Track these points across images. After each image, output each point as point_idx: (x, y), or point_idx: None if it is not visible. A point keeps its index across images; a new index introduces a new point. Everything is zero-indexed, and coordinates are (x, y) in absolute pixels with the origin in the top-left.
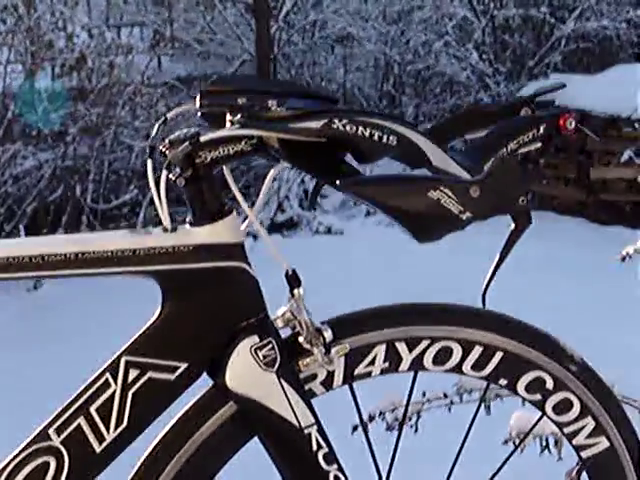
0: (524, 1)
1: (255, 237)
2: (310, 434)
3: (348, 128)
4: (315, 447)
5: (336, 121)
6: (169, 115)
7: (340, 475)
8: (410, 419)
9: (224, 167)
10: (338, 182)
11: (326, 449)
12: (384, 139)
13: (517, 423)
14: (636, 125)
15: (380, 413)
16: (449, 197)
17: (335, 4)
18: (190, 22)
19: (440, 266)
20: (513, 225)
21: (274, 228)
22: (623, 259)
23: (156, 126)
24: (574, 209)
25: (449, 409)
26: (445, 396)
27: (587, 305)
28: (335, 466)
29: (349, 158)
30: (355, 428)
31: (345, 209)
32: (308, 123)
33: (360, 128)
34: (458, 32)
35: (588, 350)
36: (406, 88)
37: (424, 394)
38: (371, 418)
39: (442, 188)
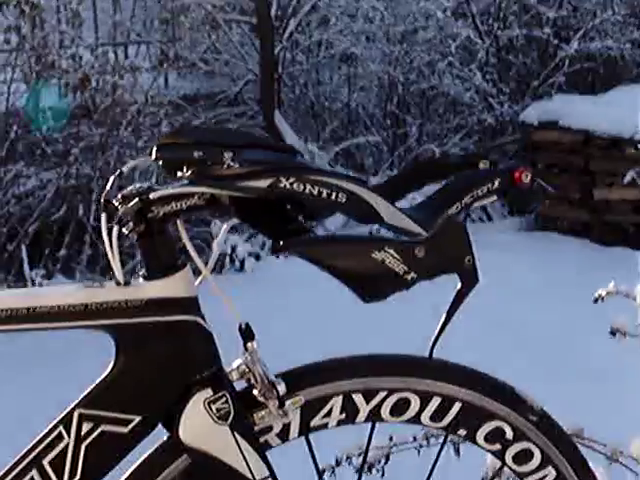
0: (528, 21)
1: (258, 257)
2: None
3: (295, 186)
4: None
5: (283, 180)
6: (125, 169)
7: None
8: (379, 462)
9: (178, 222)
10: (282, 243)
11: None
12: (333, 196)
13: (493, 462)
14: (639, 146)
15: (347, 457)
16: (394, 257)
17: (339, 24)
18: (195, 41)
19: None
20: (460, 284)
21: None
22: (596, 301)
23: (111, 179)
24: (578, 230)
25: (418, 452)
26: (414, 439)
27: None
28: None
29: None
30: (323, 471)
31: (347, 228)
32: (255, 182)
33: (308, 186)
34: (462, 52)
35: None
36: (410, 108)
37: (391, 438)
38: (338, 462)
39: (387, 249)
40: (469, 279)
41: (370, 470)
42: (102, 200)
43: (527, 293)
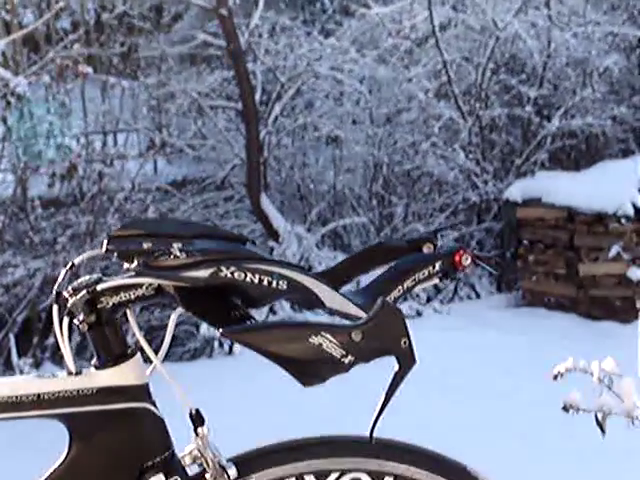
0: (509, 101)
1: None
2: None
3: (236, 275)
4: None
5: (224, 269)
6: (76, 261)
7: None
8: None
9: (127, 311)
10: (220, 331)
11: None
12: (273, 284)
13: None
14: (622, 221)
15: None
16: (331, 342)
17: (323, 107)
18: (182, 128)
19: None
20: (397, 366)
21: None
22: (555, 377)
23: (62, 272)
24: (565, 305)
25: None
26: None
27: None
28: None
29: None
30: None
31: None
32: (197, 272)
33: (249, 275)
34: (445, 132)
35: None
36: (396, 188)
37: None
38: None
39: (323, 333)
40: (406, 361)
41: None
42: (54, 292)
43: (512, 369)
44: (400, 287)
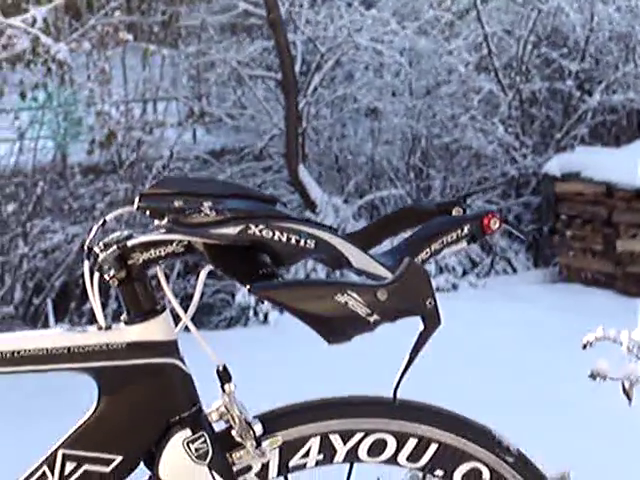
0: (550, 75)
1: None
2: None
3: (265, 233)
4: None
5: (252, 227)
6: (108, 218)
7: None
8: None
9: (157, 268)
10: (248, 287)
11: None
12: (301, 242)
13: None
14: None
15: None
16: (356, 300)
17: (363, 79)
18: (222, 97)
19: None
20: (422, 326)
21: None
22: (584, 347)
23: (94, 228)
24: (601, 281)
25: None
26: None
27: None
28: None
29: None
30: None
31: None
32: (226, 229)
33: (277, 233)
34: (484, 106)
35: None
36: (434, 161)
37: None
38: None
39: (349, 292)
40: (431, 321)
41: None
42: (85, 248)
43: (546, 344)
44: (428, 249)
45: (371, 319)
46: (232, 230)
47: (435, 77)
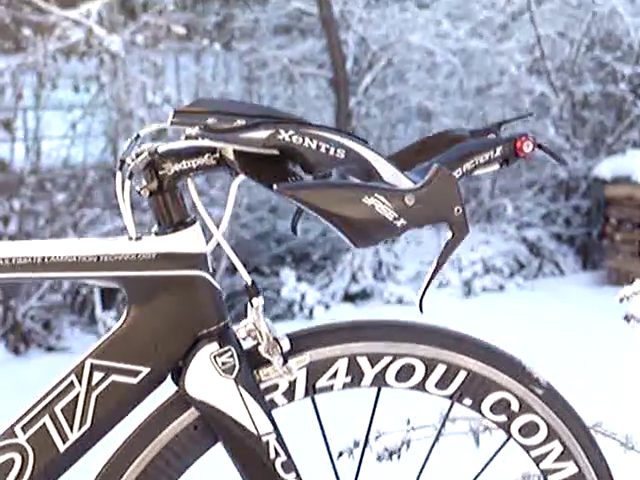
0: (603, 78)
1: (327, 306)
2: (268, 442)
3: (294, 139)
4: (273, 455)
5: (282, 132)
6: (142, 132)
7: None
8: (399, 450)
9: (189, 181)
10: (275, 186)
11: (284, 457)
12: (331, 151)
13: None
14: None
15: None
16: (384, 204)
17: (414, 79)
18: (273, 95)
19: None
20: (449, 234)
21: (347, 298)
22: (621, 300)
23: (128, 141)
24: None
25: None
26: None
27: None
28: (293, 474)
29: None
30: (341, 454)
31: (419, 280)
32: (255, 133)
33: (307, 139)
34: (536, 108)
35: None
36: None
37: (408, 421)
38: (356, 444)
39: (377, 195)
40: (459, 229)
41: (390, 457)
42: (118, 160)
43: (597, 346)
44: (459, 169)
45: (398, 223)
46: (261, 134)
47: (487, 78)
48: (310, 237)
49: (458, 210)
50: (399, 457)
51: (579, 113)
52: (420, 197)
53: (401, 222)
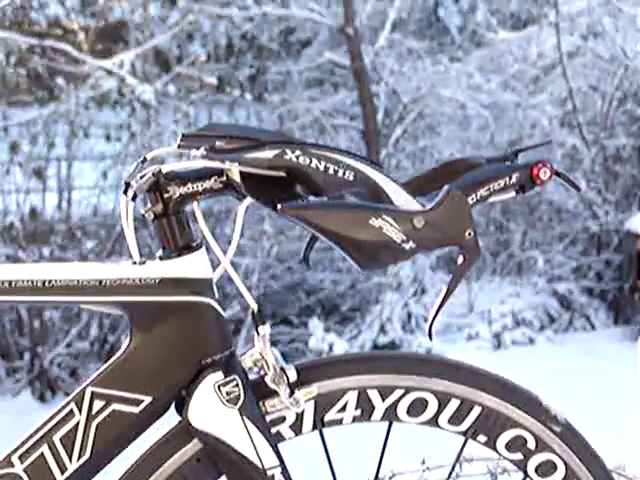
0: (636, 132)
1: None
2: (273, 476)
3: (301, 160)
4: None
5: (289, 152)
6: (148, 156)
7: None
8: None
9: (195, 206)
10: (279, 206)
11: None
12: (339, 173)
13: None
14: None
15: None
16: (392, 226)
17: (445, 131)
18: None
19: None
20: (460, 258)
21: (376, 349)
22: None
23: (134, 165)
24: None
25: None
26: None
27: None
28: None
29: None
30: None
31: (448, 333)
32: (261, 153)
33: (314, 160)
34: (567, 160)
35: None
36: (514, 214)
37: (424, 462)
38: None
39: (384, 216)
40: (470, 252)
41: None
42: (123, 183)
43: (624, 395)
44: (474, 195)
45: (407, 246)
46: (267, 154)
47: (518, 131)
48: (340, 289)
49: (469, 233)
50: None
51: (611, 167)
52: (430, 219)
53: (410, 245)
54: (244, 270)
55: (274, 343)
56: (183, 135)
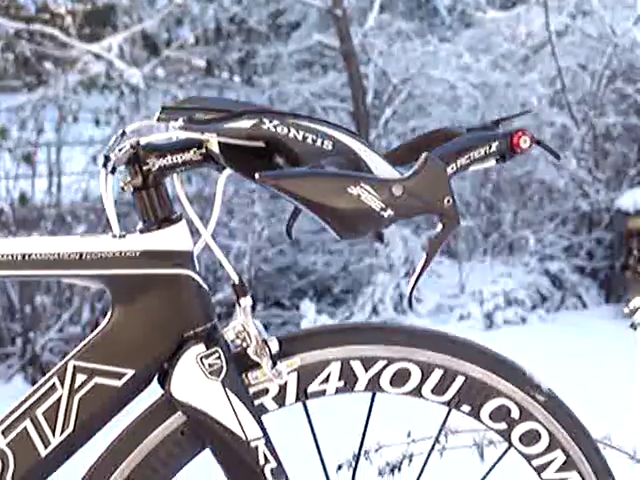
0: (625, 110)
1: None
2: (257, 447)
3: (279, 129)
4: (262, 461)
5: (266, 121)
6: (127, 129)
7: None
8: (401, 464)
9: (175, 178)
10: (257, 175)
11: (274, 464)
12: (318, 142)
13: None
14: None
15: (365, 452)
16: (370, 194)
17: (435, 112)
18: None
19: None
20: (439, 226)
21: None
22: (632, 312)
23: (113, 138)
24: None
25: (440, 454)
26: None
27: None
28: None
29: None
30: (340, 467)
31: (439, 313)
32: (239, 123)
33: (292, 130)
34: (557, 140)
35: None
36: (505, 194)
37: (409, 434)
38: (356, 457)
39: (363, 184)
40: (449, 220)
41: (392, 471)
42: (102, 156)
43: (620, 379)
44: (454, 164)
45: (385, 214)
46: (245, 124)
47: (508, 110)
48: (331, 271)
49: (448, 201)
50: (400, 470)
51: (601, 145)
52: (408, 187)
53: (388, 213)
54: (235, 253)
55: (266, 326)
56: (162, 108)
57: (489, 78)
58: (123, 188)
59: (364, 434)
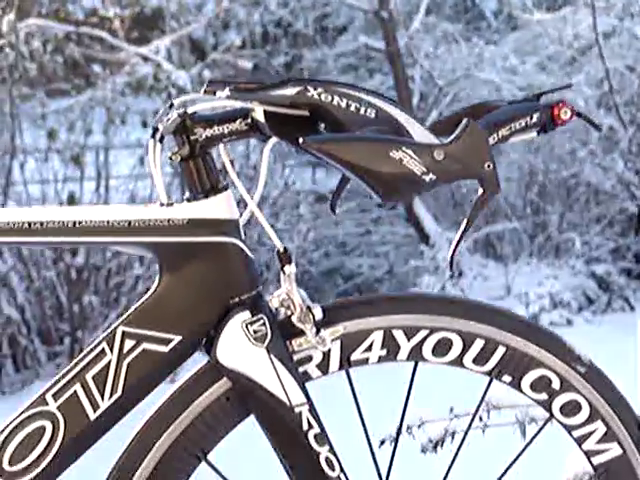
0: None
1: None
2: (301, 413)
3: (323, 97)
4: (306, 426)
5: (311, 89)
6: (175, 101)
7: (332, 457)
8: (443, 441)
9: (221, 149)
10: (301, 140)
11: (318, 430)
12: (361, 110)
13: (573, 467)
14: None
15: (407, 427)
16: (412, 158)
17: None
18: None
19: None
20: (480, 190)
21: None
22: None
23: (161, 110)
24: None
25: (483, 431)
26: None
27: None
28: (327, 447)
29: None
30: (382, 442)
31: None
32: (284, 91)
33: (336, 97)
34: (604, 141)
35: None
36: (552, 196)
37: (452, 410)
38: (398, 433)
39: (405, 149)
40: (489, 185)
41: (435, 448)
42: (151, 128)
43: None
44: (495, 134)
45: (427, 178)
46: (290, 91)
47: None
48: (377, 273)
49: (489, 165)
50: (442, 447)
51: None
52: (449, 152)
53: (430, 177)
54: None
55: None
56: (209, 81)
57: (535, 80)
58: (171, 158)
59: (406, 403)
